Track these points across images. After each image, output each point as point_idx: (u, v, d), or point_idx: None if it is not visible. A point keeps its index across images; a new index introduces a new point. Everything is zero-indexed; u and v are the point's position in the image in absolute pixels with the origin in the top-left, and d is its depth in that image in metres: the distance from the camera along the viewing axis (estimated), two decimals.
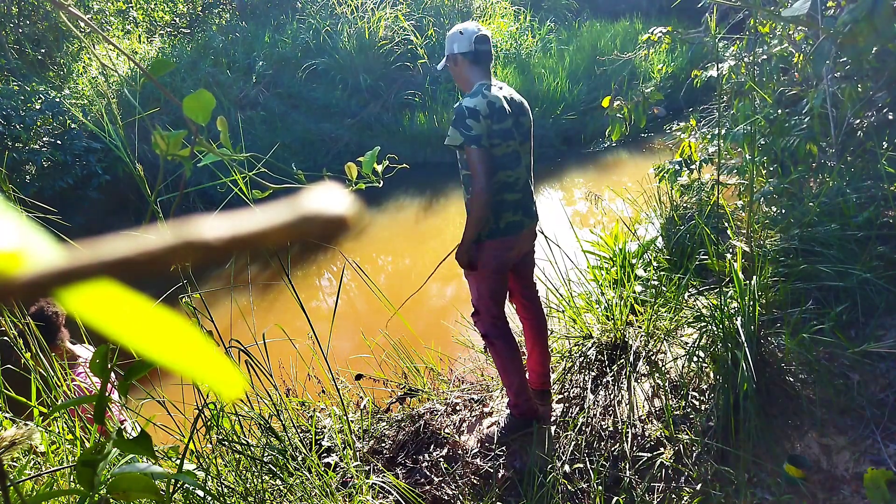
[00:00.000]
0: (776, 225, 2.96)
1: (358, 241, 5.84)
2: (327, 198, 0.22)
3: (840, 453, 2.05)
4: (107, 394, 0.70)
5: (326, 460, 2.14)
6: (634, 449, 2.22)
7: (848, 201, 2.75)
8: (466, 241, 2.10)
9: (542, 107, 8.04)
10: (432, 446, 2.44)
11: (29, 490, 1.56)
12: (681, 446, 2.18)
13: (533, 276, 2.43)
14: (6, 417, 1.60)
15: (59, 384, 1.67)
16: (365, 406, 2.59)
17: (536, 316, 2.42)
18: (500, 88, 2.12)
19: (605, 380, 2.54)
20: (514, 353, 2.30)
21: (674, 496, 2.04)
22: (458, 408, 2.68)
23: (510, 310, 2.47)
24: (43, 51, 8.59)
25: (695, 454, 2.14)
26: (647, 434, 2.29)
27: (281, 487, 1.80)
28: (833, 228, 2.68)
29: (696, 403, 2.35)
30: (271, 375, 1.87)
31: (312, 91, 8.09)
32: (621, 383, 2.48)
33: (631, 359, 2.49)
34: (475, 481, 2.25)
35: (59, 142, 6.34)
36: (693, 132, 4.01)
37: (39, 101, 6.37)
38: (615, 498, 2.04)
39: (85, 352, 2.38)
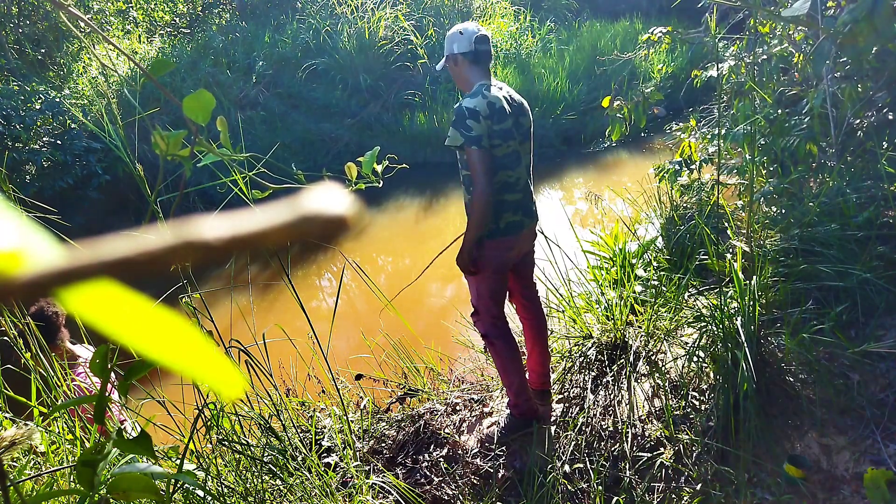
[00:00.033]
0: (776, 225, 2.96)
1: (358, 241, 5.84)
2: (327, 198, 0.22)
3: (840, 453, 2.05)
4: (107, 394, 0.70)
5: (326, 460, 2.14)
6: (634, 449, 2.22)
7: (848, 201, 2.75)
8: (468, 243, 2.08)
9: (542, 107, 8.04)
10: (432, 446, 2.44)
11: (29, 490, 1.56)
12: (681, 446, 2.18)
13: (533, 276, 2.43)
14: (6, 417, 1.60)
15: (59, 384, 1.67)
16: (365, 406, 2.59)
17: (536, 316, 2.42)
18: (500, 88, 2.11)
19: (605, 380, 2.54)
20: (514, 353, 2.30)
21: (674, 496, 2.04)
22: (458, 408, 2.68)
23: (510, 310, 2.47)
24: (43, 51, 8.59)
25: (695, 454, 2.14)
26: (647, 434, 2.29)
27: (281, 487, 1.80)
28: (833, 228, 2.68)
29: (696, 403, 2.35)
30: (271, 375, 1.87)
31: (312, 91, 8.09)
32: (621, 383, 2.48)
33: (631, 359, 2.49)
34: (475, 481, 2.25)
35: (59, 142, 6.34)
36: (693, 132, 4.01)
37: (39, 101, 6.37)
38: (615, 498, 2.04)
39: (85, 352, 2.38)
